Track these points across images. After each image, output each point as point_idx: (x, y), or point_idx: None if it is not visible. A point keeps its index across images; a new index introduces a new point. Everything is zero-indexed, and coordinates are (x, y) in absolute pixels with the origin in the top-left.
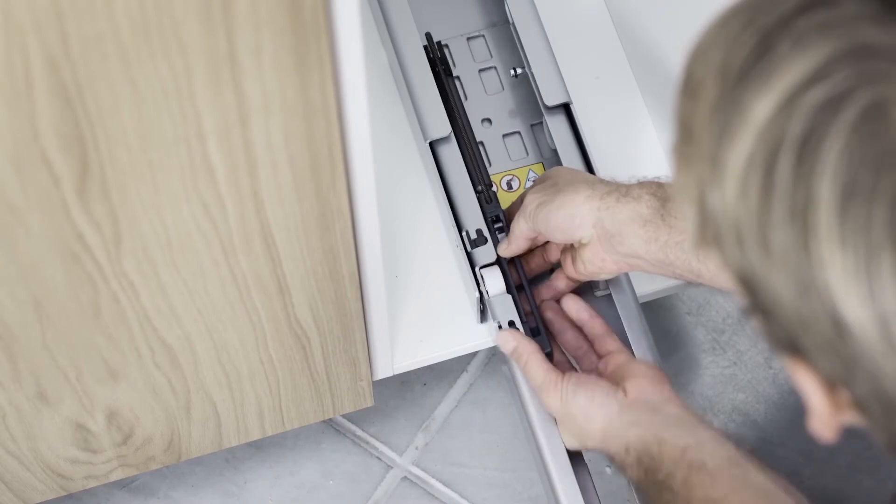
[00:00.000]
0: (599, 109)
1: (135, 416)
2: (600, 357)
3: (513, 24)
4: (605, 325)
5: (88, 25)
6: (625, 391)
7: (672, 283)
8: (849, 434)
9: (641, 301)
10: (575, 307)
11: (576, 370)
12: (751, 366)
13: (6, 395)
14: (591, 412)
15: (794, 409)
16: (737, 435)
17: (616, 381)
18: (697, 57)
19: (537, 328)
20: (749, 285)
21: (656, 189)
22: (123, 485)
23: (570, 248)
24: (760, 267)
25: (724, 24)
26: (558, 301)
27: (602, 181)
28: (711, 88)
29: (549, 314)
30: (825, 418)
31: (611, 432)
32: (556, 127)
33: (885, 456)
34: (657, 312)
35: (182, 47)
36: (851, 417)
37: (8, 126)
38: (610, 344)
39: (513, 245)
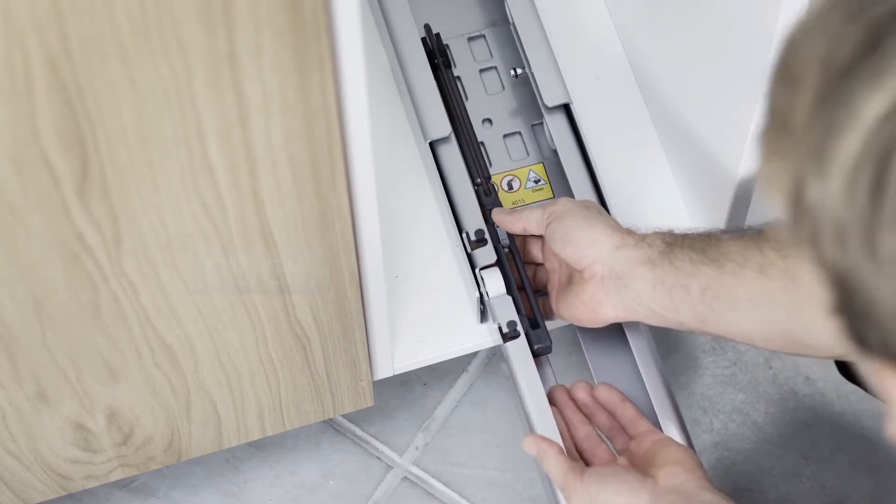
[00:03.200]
0: (599, 109)
1: (135, 416)
2: (632, 437)
3: (513, 24)
4: (636, 409)
5: (88, 25)
6: (655, 479)
7: None
8: (849, 434)
9: None
10: (606, 394)
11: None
12: (751, 366)
13: (6, 395)
14: None
15: (794, 410)
16: (737, 434)
17: (647, 463)
18: (796, 46)
19: (535, 321)
20: (845, 286)
21: (667, 235)
22: (123, 485)
23: (561, 285)
24: (864, 270)
25: (826, 14)
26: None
27: (625, 229)
28: (814, 80)
29: (582, 395)
30: None
31: None
32: (556, 127)
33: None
34: None
35: (182, 47)
36: None
37: (8, 126)
38: (642, 425)
39: (513, 218)
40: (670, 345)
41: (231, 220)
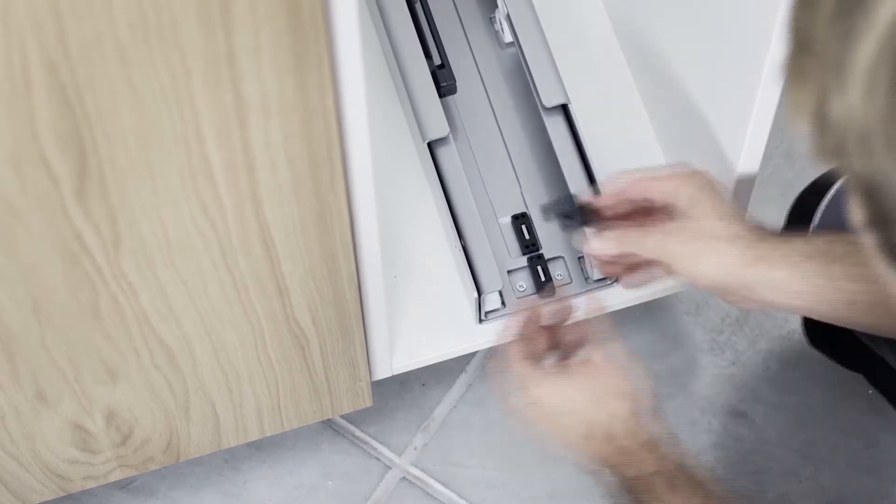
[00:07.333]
0: (598, 109)
1: (134, 416)
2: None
3: (510, 20)
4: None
5: (87, 25)
6: None
7: (671, 282)
8: (848, 434)
9: (641, 301)
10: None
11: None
12: (749, 366)
13: (5, 396)
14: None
15: (793, 410)
16: (735, 434)
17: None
18: None
19: (442, 63)
20: (872, 194)
21: (822, 242)
22: (123, 485)
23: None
24: (889, 172)
25: None
26: None
27: (748, 233)
28: None
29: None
30: None
31: None
32: (555, 127)
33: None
34: (656, 313)
35: (181, 48)
36: None
37: (7, 126)
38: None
39: (605, 243)
40: (670, 345)
41: (230, 220)
